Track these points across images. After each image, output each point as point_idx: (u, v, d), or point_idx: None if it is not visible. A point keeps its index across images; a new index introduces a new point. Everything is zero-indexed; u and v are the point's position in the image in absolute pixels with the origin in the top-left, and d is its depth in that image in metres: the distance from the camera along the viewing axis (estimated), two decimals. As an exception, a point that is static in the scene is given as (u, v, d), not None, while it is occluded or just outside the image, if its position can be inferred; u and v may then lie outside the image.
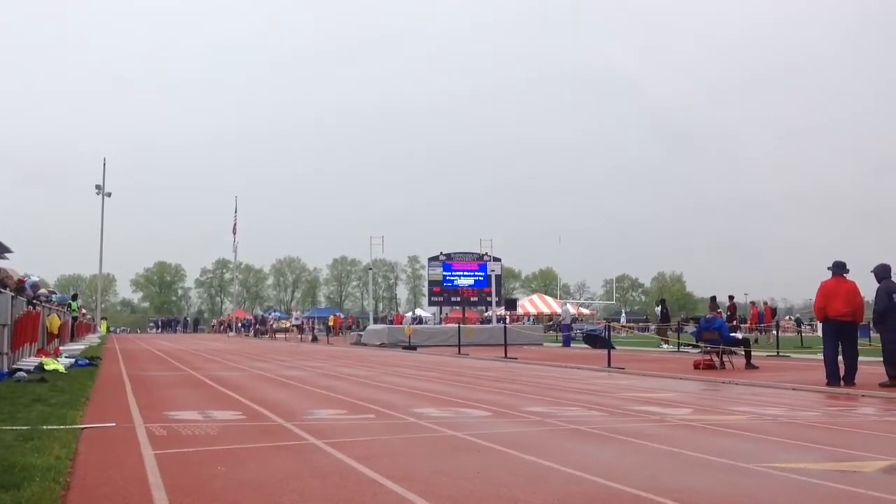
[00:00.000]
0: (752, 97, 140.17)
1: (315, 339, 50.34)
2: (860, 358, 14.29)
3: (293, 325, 63.87)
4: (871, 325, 15.19)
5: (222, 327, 65.96)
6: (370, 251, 43.58)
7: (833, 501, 5.08)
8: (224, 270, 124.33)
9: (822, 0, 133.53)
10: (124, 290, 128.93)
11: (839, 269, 14.21)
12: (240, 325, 71.97)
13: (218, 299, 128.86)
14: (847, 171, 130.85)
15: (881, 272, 13.84)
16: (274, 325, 65.04)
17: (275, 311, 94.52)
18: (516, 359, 23.44)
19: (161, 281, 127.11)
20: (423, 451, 6.97)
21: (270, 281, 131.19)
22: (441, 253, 46.03)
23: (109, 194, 62.79)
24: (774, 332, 30.04)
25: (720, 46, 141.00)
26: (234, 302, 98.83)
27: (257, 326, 66.38)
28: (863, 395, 12.41)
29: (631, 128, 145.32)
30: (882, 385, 13.14)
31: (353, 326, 62.00)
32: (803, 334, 38.02)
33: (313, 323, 57.79)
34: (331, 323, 57.88)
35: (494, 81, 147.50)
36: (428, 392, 12.66)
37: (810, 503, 5.04)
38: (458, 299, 46.65)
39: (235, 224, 74.27)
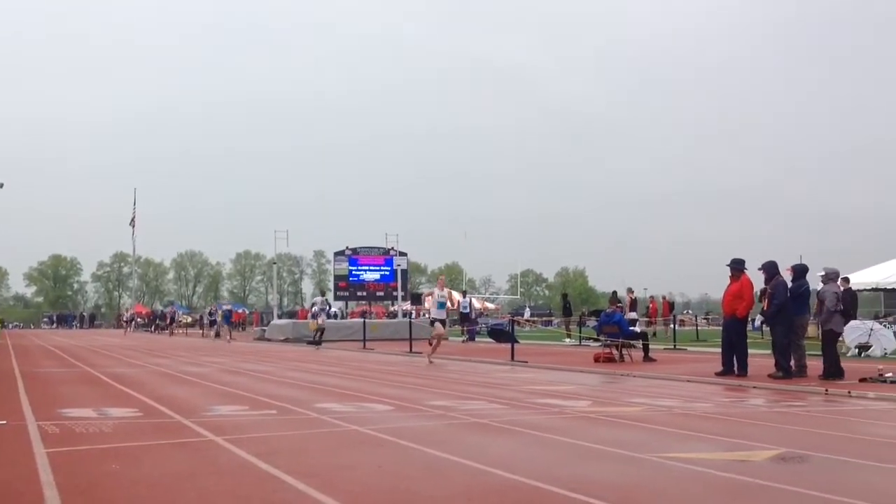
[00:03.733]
0: (653, 96, 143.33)
1: (218, 334, 49.46)
2: (751, 351, 14.84)
3: (198, 320, 62.10)
4: (763, 318, 15.75)
5: (133, 323, 63.82)
6: (274, 245, 43.02)
7: (721, 490, 5.26)
8: (122, 264, 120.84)
9: (724, 2, 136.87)
10: (17, 285, 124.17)
11: (735, 266, 14.72)
12: (138, 319, 70.16)
13: (116, 294, 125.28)
14: (744, 170, 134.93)
15: (771, 269, 14.40)
16: (177, 321, 63.56)
17: (176, 305, 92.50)
18: (421, 353, 23.50)
19: (56, 275, 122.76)
20: (324, 446, 6.95)
21: (171, 275, 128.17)
22: (347, 247, 45.74)
23: (1, 185, 60.30)
24: (672, 325, 30.86)
25: (625, 45, 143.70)
26: (132, 297, 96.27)
27: (157, 322, 64.78)
28: (753, 387, 12.88)
29: (536, 124, 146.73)
30: (771, 376, 13.67)
31: (255, 321, 61.03)
32: (699, 328, 39.15)
33: (215, 318, 56.60)
34: (219, 318, 56.29)
35: (404, 74, 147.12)
36: (331, 387, 12.61)
37: (700, 491, 5.22)
38: (364, 294, 46.48)
39: (134, 217, 72.40)
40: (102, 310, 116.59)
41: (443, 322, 20.50)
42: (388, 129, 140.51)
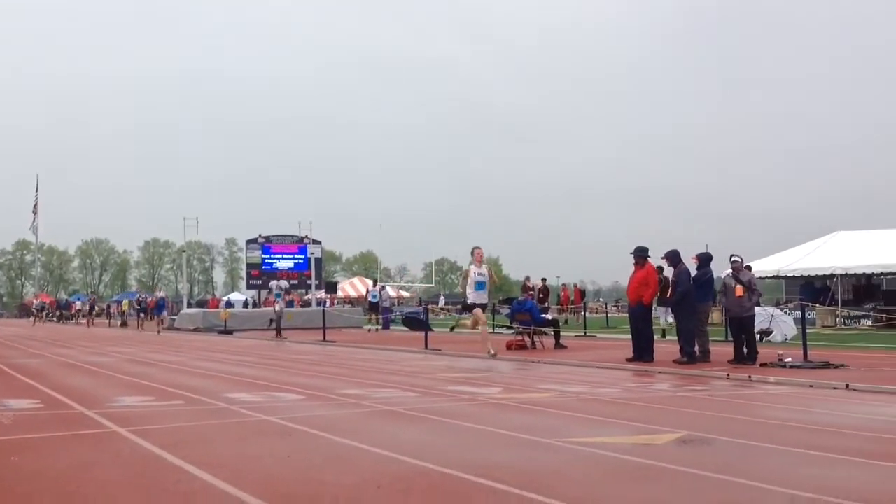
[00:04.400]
0: (578, 95, 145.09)
1: (125, 324, 48.32)
2: (658, 337, 15.22)
3: (105, 309, 60.31)
4: (668, 305, 16.14)
5: (44, 313, 61.48)
6: (184, 233, 42.17)
7: (624, 472, 5.38)
8: (25, 252, 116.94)
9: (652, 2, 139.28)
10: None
11: (639, 254, 15.04)
12: (43, 308, 67.99)
13: (18, 283, 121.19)
14: (645, 167, 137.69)
15: (674, 257, 14.76)
16: (81, 310, 61.82)
17: (80, 296, 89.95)
18: (335, 342, 23.40)
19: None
20: (232, 436, 6.86)
21: (76, 263, 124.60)
22: (260, 235, 45.17)
23: None
24: (583, 313, 31.39)
25: (553, 44, 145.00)
26: (36, 286, 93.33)
27: (62, 311, 62.92)
28: (659, 372, 13.20)
29: (454, 117, 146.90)
30: (676, 362, 14.03)
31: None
32: (609, 315, 39.92)
33: (120, 307, 55.12)
34: (125, 308, 54.95)
35: (323, 61, 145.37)
36: (241, 377, 12.45)
37: (603, 475, 5.32)
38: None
39: (36, 203, 70.15)
40: (4, 299, 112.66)
41: (483, 307, 17.16)
42: (302, 114, 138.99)
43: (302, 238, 44.94)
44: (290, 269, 44.70)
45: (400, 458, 5.71)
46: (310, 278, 44.80)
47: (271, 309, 31.11)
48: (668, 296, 15.03)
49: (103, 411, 8.20)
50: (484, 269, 16.64)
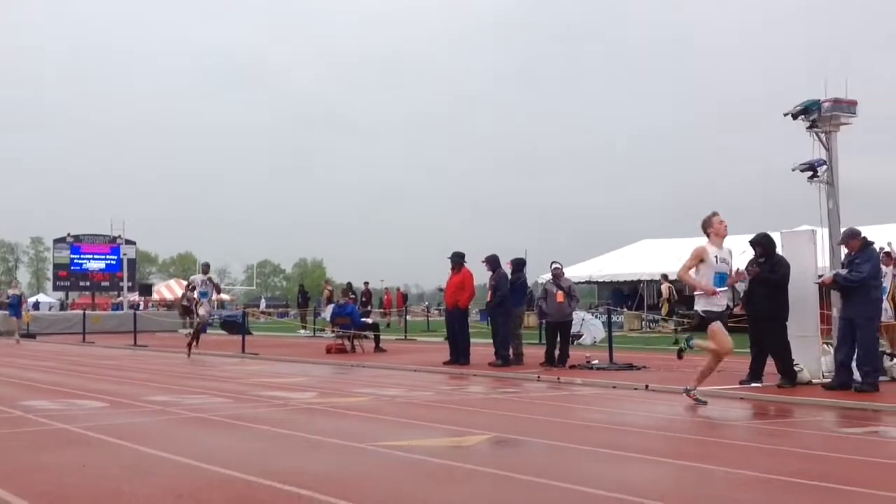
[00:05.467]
0: (378, 85, 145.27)
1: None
2: (475, 340, 15.55)
3: None
4: (487, 309, 16.48)
5: None
6: (-17, 231, 39.47)
7: (430, 475, 5.46)
8: None
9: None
10: None
11: (456, 259, 15.30)
12: None
13: None
14: (468, 165, 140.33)
15: (494, 262, 15.12)
16: None
17: None
18: (146, 346, 22.52)
19: None
20: (25, 445, 6.49)
21: None
22: (69, 234, 42.86)
23: None
24: (405, 316, 31.64)
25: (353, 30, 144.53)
26: None
27: None
28: (474, 375, 13.47)
29: (259, 110, 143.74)
30: (492, 364, 14.36)
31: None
32: (430, 318, 40.44)
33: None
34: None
35: (125, 50, 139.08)
36: (41, 383, 11.78)
37: (409, 477, 5.38)
38: (88, 284, 43.80)
39: None
40: None
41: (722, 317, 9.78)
42: (115, 117, 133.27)
43: (115, 238, 43.02)
44: (101, 269, 42.68)
45: (204, 466, 5.56)
46: (122, 280, 42.93)
47: (77, 312, 29.40)
48: (488, 300, 15.30)
49: None
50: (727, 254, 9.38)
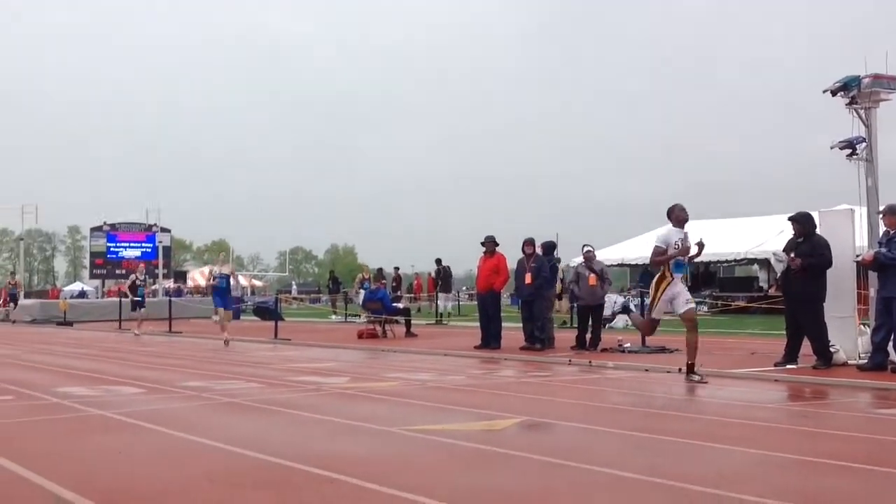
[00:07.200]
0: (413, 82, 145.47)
1: None
2: (505, 324, 15.52)
3: None
4: (517, 293, 16.38)
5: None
6: (22, 221, 40.05)
7: (461, 459, 5.46)
8: None
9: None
10: None
11: (488, 243, 15.27)
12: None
13: None
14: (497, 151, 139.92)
15: (547, 248, 15.07)
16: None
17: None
18: (181, 332, 22.75)
19: None
20: (61, 431, 6.57)
21: None
22: (105, 223, 43.42)
23: None
24: (436, 301, 31.62)
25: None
26: None
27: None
28: (505, 359, 13.46)
29: (293, 96, 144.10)
30: (522, 348, 14.34)
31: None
32: (461, 303, 40.41)
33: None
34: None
35: (164, 34, 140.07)
36: (78, 370, 11.93)
37: (440, 462, 5.39)
38: (124, 272, 44.31)
39: None
40: None
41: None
42: (151, 99, 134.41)
43: (150, 226, 43.47)
44: (137, 257, 43.17)
45: (237, 451, 5.59)
46: (158, 267, 43.39)
47: (114, 300, 29.69)
48: (527, 283, 15.08)
49: (-81, 410, 7.69)
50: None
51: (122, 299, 31.42)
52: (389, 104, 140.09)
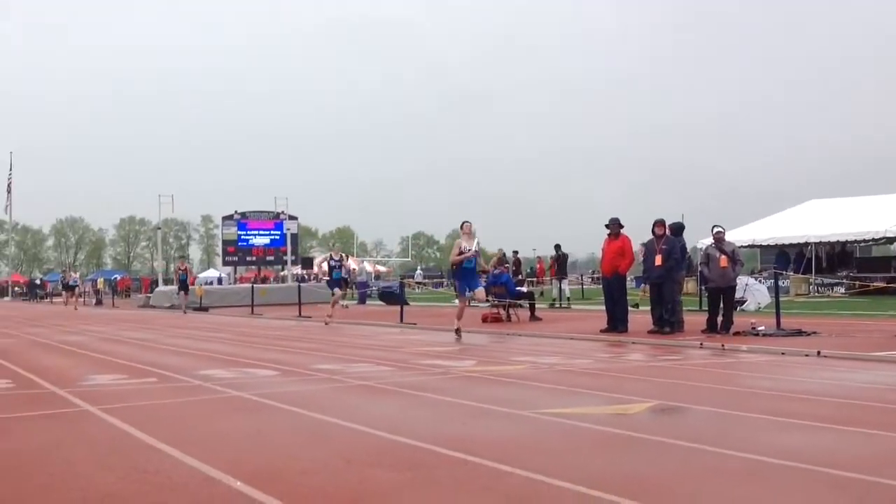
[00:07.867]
0: (531, 57, 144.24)
1: (100, 302, 48.01)
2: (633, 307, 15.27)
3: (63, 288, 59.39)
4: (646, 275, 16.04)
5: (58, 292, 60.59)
6: (159, 210, 41.81)
7: (597, 442, 5.40)
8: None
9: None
10: None
11: (613, 225, 15.05)
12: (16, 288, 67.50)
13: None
14: (623, 133, 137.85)
15: (676, 229, 14.72)
16: (52, 290, 61.30)
17: (56, 274, 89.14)
18: (310, 317, 23.35)
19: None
20: (203, 413, 6.82)
21: (51, 242, 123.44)
22: (236, 212, 44.92)
23: None
24: (559, 285, 31.41)
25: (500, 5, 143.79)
26: (10, 265, 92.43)
27: (35, 290, 62.40)
28: (633, 342, 13.26)
29: (410, 80, 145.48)
30: (650, 332, 14.09)
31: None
32: (584, 286, 40.06)
33: (95, 285, 54.73)
34: (100, 286, 54.64)
35: (278, 29, 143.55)
36: (216, 353, 12.39)
37: (574, 445, 5.34)
38: (254, 259, 45.83)
39: (10, 182, 69.40)
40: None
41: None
42: (272, 91, 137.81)
43: (278, 214, 44.72)
44: (266, 245, 44.54)
45: (371, 431, 5.69)
46: (286, 254, 44.64)
47: (245, 286, 30.59)
48: (658, 265, 14.70)
49: (75, 390, 8.13)
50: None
51: (254, 285, 32.43)
52: (510, 85, 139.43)
